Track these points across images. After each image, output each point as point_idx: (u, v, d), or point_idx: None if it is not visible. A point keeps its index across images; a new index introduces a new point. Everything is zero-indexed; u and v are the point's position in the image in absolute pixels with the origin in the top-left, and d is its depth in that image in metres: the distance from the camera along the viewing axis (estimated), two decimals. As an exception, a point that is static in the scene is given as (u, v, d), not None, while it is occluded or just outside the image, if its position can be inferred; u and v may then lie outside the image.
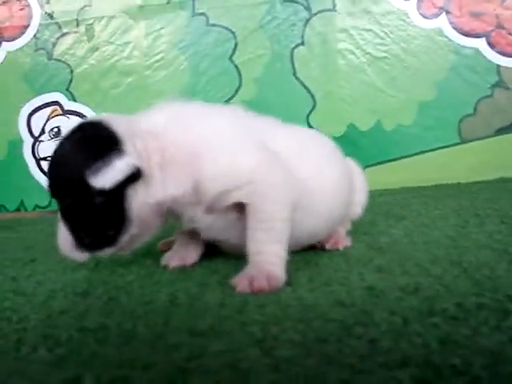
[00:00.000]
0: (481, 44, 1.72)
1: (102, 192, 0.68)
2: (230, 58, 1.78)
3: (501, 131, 1.74)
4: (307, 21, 1.75)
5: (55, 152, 0.74)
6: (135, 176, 0.69)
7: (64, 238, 0.74)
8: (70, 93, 1.84)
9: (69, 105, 1.85)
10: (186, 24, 1.78)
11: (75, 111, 1.85)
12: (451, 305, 0.58)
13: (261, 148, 0.74)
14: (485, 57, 1.73)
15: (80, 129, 0.74)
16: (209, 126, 0.75)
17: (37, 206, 1.89)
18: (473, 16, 1.72)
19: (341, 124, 1.73)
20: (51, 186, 0.74)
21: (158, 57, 1.80)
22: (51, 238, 1.29)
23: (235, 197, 0.72)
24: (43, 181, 1.87)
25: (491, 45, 1.72)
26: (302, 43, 1.76)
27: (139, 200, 0.71)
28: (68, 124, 1.84)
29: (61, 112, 1.85)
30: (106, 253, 0.75)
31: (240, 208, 0.74)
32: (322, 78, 1.76)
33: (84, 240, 0.73)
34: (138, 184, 0.70)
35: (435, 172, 1.73)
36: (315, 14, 1.74)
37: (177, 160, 0.71)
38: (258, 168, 0.72)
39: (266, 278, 0.68)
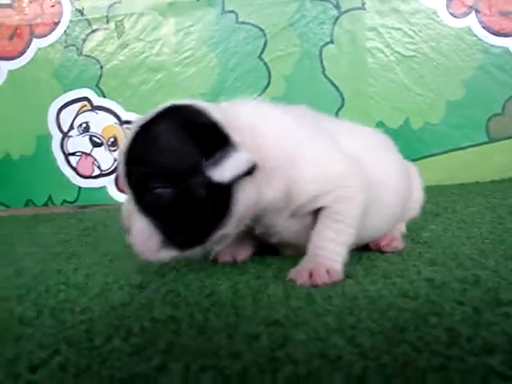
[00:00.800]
0: (510, 43, 1.73)
1: (211, 185, 0.64)
2: (260, 56, 1.79)
3: (529, 131, 1.75)
4: (336, 19, 1.75)
5: (143, 136, 0.66)
6: (249, 172, 0.65)
7: (145, 236, 0.67)
8: (100, 89, 1.86)
9: (98, 100, 1.87)
10: (215, 21, 1.80)
11: (104, 107, 1.86)
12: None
13: (345, 153, 0.74)
14: (514, 56, 1.73)
15: (174, 113, 0.68)
16: (301, 130, 0.73)
17: (64, 201, 1.91)
18: (502, 15, 1.73)
19: (369, 122, 1.74)
20: (139, 173, 0.66)
21: (187, 54, 1.81)
22: (85, 232, 1.33)
23: (323, 201, 0.72)
24: (71, 176, 1.90)
25: (521, 44, 1.73)
26: (332, 41, 1.77)
27: (244, 197, 0.67)
28: (96, 119, 1.86)
29: (90, 108, 1.87)
30: (195, 252, 0.70)
31: (315, 211, 0.74)
32: (350, 77, 1.77)
33: (174, 238, 0.67)
34: (246, 180, 0.66)
35: (463, 171, 1.73)
36: (344, 12, 1.75)
37: (275, 163, 0.69)
38: (348, 174, 0.72)
39: (326, 271, 0.69)
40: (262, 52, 1.79)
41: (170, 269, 0.84)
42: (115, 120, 1.87)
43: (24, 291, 0.75)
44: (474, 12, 1.73)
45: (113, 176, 1.87)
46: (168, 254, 0.69)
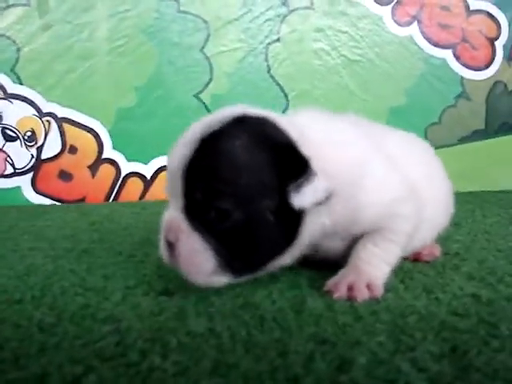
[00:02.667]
0: (448, 55, 1.77)
1: (282, 210, 0.59)
2: (202, 50, 1.66)
3: (462, 140, 1.80)
4: (284, 17, 1.69)
5: (212, 147, 0.59)
6: (322, 199, 0.60)
7: (199, 257, 0.59)
8: (16, 74, 1.62)
9: (13, 88, 1.62)
10: (154, 8, 1.64)
11: (21, 95, 1.62)
12: None
13: (402, 173, 0.70)
14: (451, 68, 1.78)
15: (249, 126, 0.60)
16: (369, 156, 0.67)
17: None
18: (441, 27, 1.77)
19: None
20: (206, 189, 0.58)
21: (121, 41, 1.63)
22: (91, 227, 1.18)
23: (378, 225, 0.67)
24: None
25: (456, 57, 1.78)
26: (278, 40, 1.69)
27: (311, 224, 0.62)
28: (10, 109, 1.62)
29: (3, 95, 1.62)
30: (252, 277, 0.64)
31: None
32: (296, 77, 1.71)
33: (231, 263, 0.60)
34: (318, 207, 0.61)
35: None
36: (293, 11, 1.69)
37: (340, 189, 0.62)
38: (406, 196, 0.68)
39: (366, 286, 0.63)
40: (204, 46, 1.67)
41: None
42: (34, 111, 1.63)
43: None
44: (416, 22, 1.75)
45: (29, 175, 1.63)
46: (220, 280, 0.61)
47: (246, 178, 0.58)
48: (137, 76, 1.65)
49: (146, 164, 1.67)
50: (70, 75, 1.63)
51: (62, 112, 1.64)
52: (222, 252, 0.59)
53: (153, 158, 1.66)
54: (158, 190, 1.66)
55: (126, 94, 1.64)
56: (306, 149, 0.60)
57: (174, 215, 0.61)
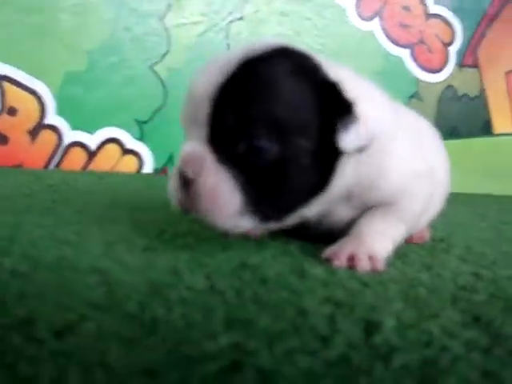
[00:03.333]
0: (405, 54, 1.80)
1: (319, 152, 0.54)
2: (162, 19, 1.58)
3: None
4: (250, -4, 1.64)
5: (250, 74, 0.53)
6: (363, 147, 0.55)
7: (225, 195, 0.52)
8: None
9: None
10: (114, -31, 1.54)
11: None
12: None
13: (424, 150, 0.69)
14: (407, 67, 1.81)
15: (290, 57, 0.55)
16: (396, 121, 0.63)
17: None
18: (401, 27, 1.79)
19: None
20: (241, 118, 0.52)
21: (76, 0, 1.52)
22: (49, 188, 1.06)
23: (393, 198, 0.64)
24: None
25: (413, 57, 1.81)
26: (241, 18, 1.64)
27: (344, 175, 0.57)
28: None
29: None
30: (275, 226, 0.59)
31: None
32: (256, 60, 1.66)
33: (260, 205, 0.53)
34: (349, 157, 0.57)
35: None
36: (258, -9, 1.64)
37: (372, 146, 0.57)
38: (425, 174, 0.67)
39: (368, 257, 0.58)
40: (164, 15, 1.58)
41: (211, 258, 0.59)
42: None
43: None
44: (378, 18, 1.76)
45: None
46: (246, 224, 0.55)
47: (286, 109, 0.52)
48: (89, 39, 1.53)
49: (91, 134, 1.56)
50: (7, 29, 1.48)
51: (1, 69, 1.50)
52: (251, 191, 0.53)
53: (99, 128, 1.56)
54: (103, 164, 1.56)
55: (76, 57, 1.53)
56: (348, 93, 0.55)
57: (195, 146, 0.54)
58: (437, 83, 1.83)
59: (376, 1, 1.76)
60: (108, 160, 1.56)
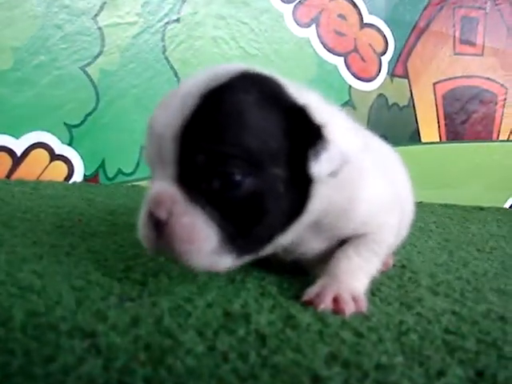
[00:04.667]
0: (339, 62, 1.84)
1: (291, 179, 0.54)
2: (94, 18, 1.53)
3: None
4: (187, -3, 1.61)
5: (215, 105, 0.51)
6: (336, 172, 0.55)
7: (200, 233, 0.51)
8: None
9: None
10: (43, -38, 1.47)
11: None
12: None
13: (392, 183, 0.70)
14: (341, 75, 1.84)
15: (255, 84, 0.55)
16: (366, 149, 0.64)
17: None
18: (337, 34, 1.82)
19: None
20: (212, 153, 0.51)
21: (0, -6, 1.44)
22: (36, 220, 0.95)
23: (364, 229, 0.65)
24: None
25: (347, 65, 1.85)
26: (178, 20, 1.62)
27: (318, 201, 0.57)
28: None
29: None
30: (252, 258, 0.58)
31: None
32: (191, 63, 1.64)
33: (236, 240, 0.53)
34: (323, 183, 0.56)
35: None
36: (196, -7, 1.62)
37: (342, 174, 0.57)
38: (393, 202, 0.68)
39: (352, 297, 0.59)
40: (97, 14, 1.53)
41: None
42: None
43: None
44: (314, 25, 1.78)
45: None
46: (223, 261, 0.53)
47: (257, 139, 0.52)
48: (16, 35, 1.46)
49: (16, 138, 1.48)
50: None
51: None
52: (227, 227, 0.52)
53: (25, 132, 1.48)
54: (30, 170, 1.50)
55: (0, 55, 1.45)
56: (317, 117, 0.55)
57: (164, 186, 0.52)
58: (369, 92, 1.88)
59: (313, 8, 1.78)
60: (35, 167, 1.50)
